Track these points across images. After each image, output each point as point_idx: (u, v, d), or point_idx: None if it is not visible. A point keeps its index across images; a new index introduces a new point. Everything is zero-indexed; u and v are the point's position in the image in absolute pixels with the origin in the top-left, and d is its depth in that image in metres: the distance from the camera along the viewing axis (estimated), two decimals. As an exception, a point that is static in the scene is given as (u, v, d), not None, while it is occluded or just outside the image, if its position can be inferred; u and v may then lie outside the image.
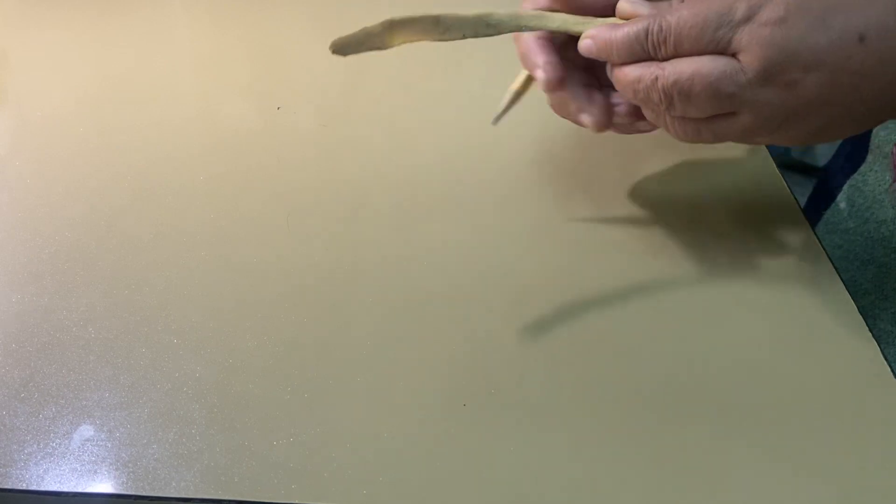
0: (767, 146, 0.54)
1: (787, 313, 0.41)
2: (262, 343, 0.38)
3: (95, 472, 0.32)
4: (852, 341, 0.40)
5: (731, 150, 0.54)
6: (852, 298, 0.42)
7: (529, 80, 0.44)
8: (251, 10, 0.69)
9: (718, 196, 0.50)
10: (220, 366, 0.37)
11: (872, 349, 0.39)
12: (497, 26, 0.40)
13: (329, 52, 0.39)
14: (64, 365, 0.36)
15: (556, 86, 0.41)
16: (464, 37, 0.39)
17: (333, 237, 0.45)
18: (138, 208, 0.46)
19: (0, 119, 0.54)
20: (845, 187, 0.60)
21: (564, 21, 0.41)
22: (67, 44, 0.63)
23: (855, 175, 0.59)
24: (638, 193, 0.50)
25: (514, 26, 0.40)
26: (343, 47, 0.37)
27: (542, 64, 0.41)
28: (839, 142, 0.72)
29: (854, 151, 0.61)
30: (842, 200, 0.60)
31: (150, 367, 0.36)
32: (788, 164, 1.84)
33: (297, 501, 0.32)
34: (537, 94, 0.45)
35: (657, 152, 0.52)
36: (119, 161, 0.50)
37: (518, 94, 0.44)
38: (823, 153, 1.80)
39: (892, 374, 0.38)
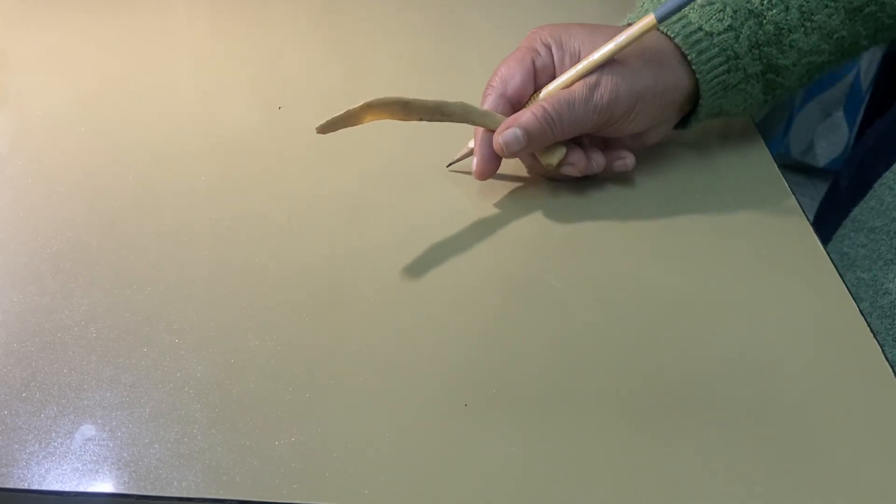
0: (767, 147, 0.54)
1: (787, 313, 0.41)
2: (264, 343, 0.38)
3: (97, 471, 0.32)
4: (853, 342, 0.40)
5: (732, 151, 0.54)
6: (873, 299, 0.42)
7: None
8: (251, 10, 0.69)
9: (718, 196, 0.50)
10: (222, 366, 0.37)
11: (873, 349, 0.39)
12: (450, 116, 0.46)
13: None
14: (65, 365, 0.36)
15: (483, 178, 0.49)
16: (421, 119, 0.46)
17: (334, 237, 0.45)
18: (139, 208, 0.46)
19: (0, 119, 0.54)
20: (876, 185, 0.60)
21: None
22: (67, 44, 0.63)
23: (887, 173, 0.59)
24: (637, 194, 0.50)
25: (463, 118, 0.47)
26: (327, 127, 0.43)
27: (478, 156, 0.48)
28: (844, 143, 0.72)
29: (887, 149, 0.61)
30: (871, 198, 0.60)
31: (151, 366, 0.36)
32: (789, 165, 1.84)
33: (298, 501, 0.32)
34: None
35: (656, 153, 0.52)
36: (119, 161, 0.50)
37: (472, 152, 0.49)
38: (824, 154, 1.80)
39: (893, 374, 0.38)
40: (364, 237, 0.45)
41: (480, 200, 0.48)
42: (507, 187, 0.50)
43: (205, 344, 0.38)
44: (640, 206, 0.49)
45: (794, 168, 1.83)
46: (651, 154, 0.52)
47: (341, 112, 0.43)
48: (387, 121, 0.45)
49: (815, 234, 0.47)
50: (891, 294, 0.53)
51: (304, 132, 0.53)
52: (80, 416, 0.34)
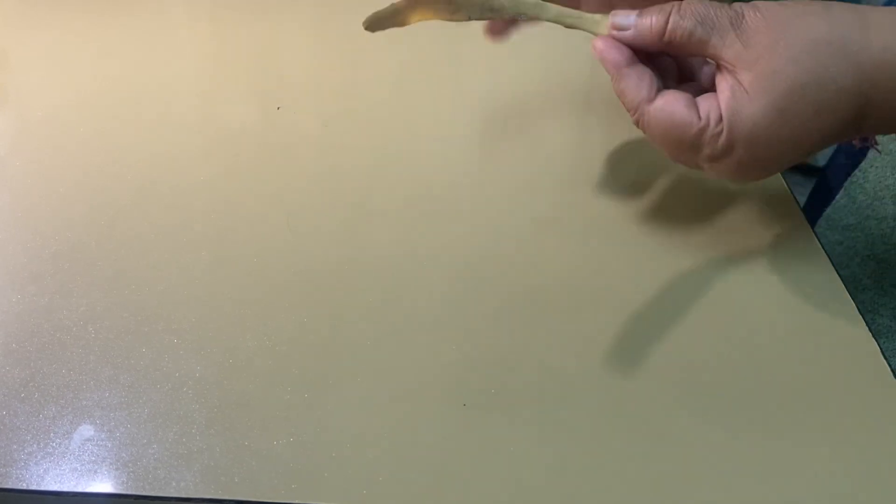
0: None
1: (787, 312, 0.41)
2: (263, 343, 0.38)
3: (95, 471, 0.32)
4: (852, 340, 0.40)
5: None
6: (852, 294, 0.42)
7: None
8: (251, 10, 0.69)
9: (717, 195, 0.50)
10: (221, 366, 0.37)
11: (872, 348, 0.39)
12: (499, 11, 0.43)
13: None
14: (64, 365, 0.36)
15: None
16: (469, 18, 0.43)
17: (334, 237, 0.45)
18: (138, 208, 0.46)
19: (0, 119, 0.54)
20: (846, 184, 0.60)
21: (559, 13, 0.43)
22: (67, 44, 0.63)
23: (856, 172, 0.60)
24: (636, 194, 0.50)
25: (514, 12, 0.44)
26: (374, 23, 0.42)
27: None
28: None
29: (855, 148, 0.61)
30: (843, 197, 0.60)
31: (150, 366, 0.37)
32: (788, 164, 1.83)
33: (297, 501, 0.32)
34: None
35: (654, 153, 0.52)
36: (119, 161, 0.50)
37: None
38: (823, 153, 1.80)
39: (891, 372, 0.38)
40: (363, 237, 0.45)
41: (480, 202, 0.48)
42: (506, 186, 0.50)
43: (204, 344, 0.38)
44: (639, 205, 0.48)
45: (794, 167, 1.83)
46: (649, 154, 0.52)
47: (386, 6, 0.41)
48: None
49: (814, 233, 0.47)
50: (870, 290, 0.54)
51: (304, 132, 0.53)
52: (78, 416, 0.34)
